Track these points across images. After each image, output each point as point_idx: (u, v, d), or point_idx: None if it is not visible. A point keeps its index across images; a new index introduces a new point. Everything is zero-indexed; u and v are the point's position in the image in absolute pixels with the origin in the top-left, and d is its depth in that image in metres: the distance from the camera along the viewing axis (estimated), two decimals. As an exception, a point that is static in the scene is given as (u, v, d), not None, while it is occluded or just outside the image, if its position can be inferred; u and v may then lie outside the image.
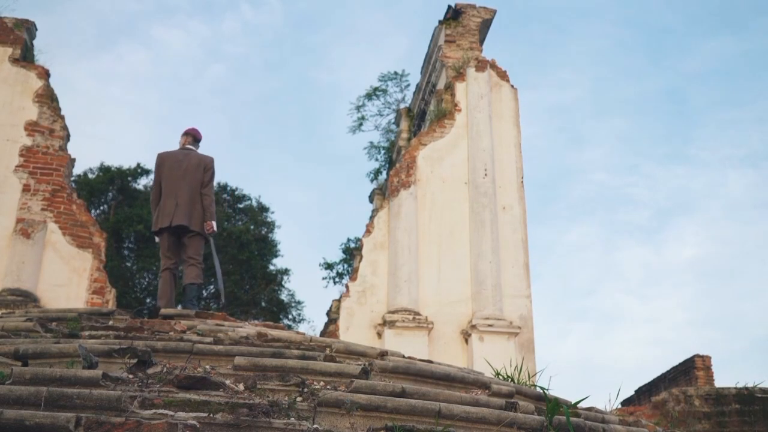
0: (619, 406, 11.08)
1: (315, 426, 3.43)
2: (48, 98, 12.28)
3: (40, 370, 3.68)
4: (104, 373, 3.66)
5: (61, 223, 11.57)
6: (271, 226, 23.18)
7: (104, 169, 22.22)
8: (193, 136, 7.83)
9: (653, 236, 47.82)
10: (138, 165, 22.40)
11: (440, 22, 14.43)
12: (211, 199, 7.53)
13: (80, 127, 42.20)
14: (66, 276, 11.34)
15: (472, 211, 12.52)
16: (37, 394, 3.21)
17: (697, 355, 14.39)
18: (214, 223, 7.48)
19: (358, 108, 19.50)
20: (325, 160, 47.78)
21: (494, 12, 14.34)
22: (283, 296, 22.44)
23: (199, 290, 7.59)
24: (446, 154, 13.02)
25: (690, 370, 14.36)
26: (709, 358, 14.36)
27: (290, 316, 22.45)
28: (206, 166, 7.57)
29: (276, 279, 22.20)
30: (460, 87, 13.44)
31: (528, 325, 12.05)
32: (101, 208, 22.19)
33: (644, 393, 15.88)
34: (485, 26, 14.37)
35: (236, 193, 23.59)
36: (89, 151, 43.58)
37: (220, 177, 23.80)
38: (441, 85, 14.27)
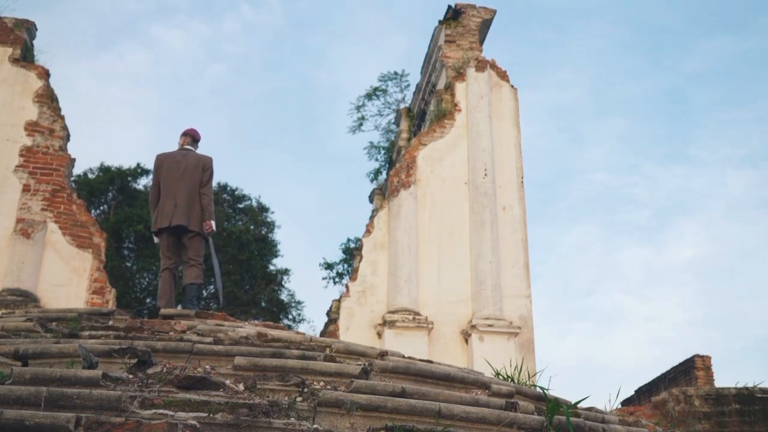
0: (619, 406, 11.08)
1: (315, 426, 3.43)
2: (48, 98, 12.28)
3: (40, 370, 3.68)
4: (104, 373, 3.66)
5: (61, 223, 11.57)
6: (271, 226, 23.19)
7: (104, 169, 22.22)
8: (191, 137, 7.84)
9: (653, 236, 47.85)
10: (138, 165, 22.43)
11: (440, 22, 14.43)
12: (209, 198, 7.53)
13: (80, 127, 42.19)
14: (66, 276, 11.34)
15: (472, 211, 12.52)
16: (37, 394, 3.21)
17: (697, 355, 14.39)
18: (213, 223, 7.48)
19: (358, 108, 19.52)
20: (325, 160, 47.81)
21: (494, 12, 14.34)
22: (283, 296, 22.46)
23: (199, 290, 7.59)
24: (446, 154, 13.02)
25: (690, 370, 14.36)
26: (709, 358, 14.36)
27: (290, 316, 22.47)
28: (205, 165, 7.58)
29: (276, 279, 22.20)
30: (460, 87, 13.44)
31: (528, 325, 12.05)
32: (101, 208, 22.20)
33: (644, 393, 15.88)
34: (485, 26, 14.38)
35: (236, 193, 23.60)
36: (89, 151, 43.62)
37: (220, 177, 23.83)
38: (441, 85, 14.27)
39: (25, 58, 12.82)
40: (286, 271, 22.50)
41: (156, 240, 7.66)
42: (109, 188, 22.12)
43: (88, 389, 3.39)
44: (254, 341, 5.28)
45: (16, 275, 11.00)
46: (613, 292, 47.37)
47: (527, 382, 6.37)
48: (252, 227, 22.55)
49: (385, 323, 11.56)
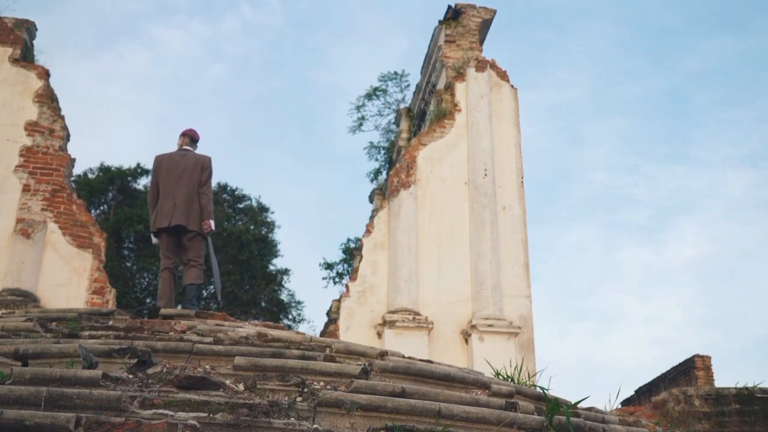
0: (619, 406, 11.08)
1: (315, 426, 3.43)
2: (48, 98, 12.28)
3: (40, 370, 3.68)
4: (104, 373, 3.66)
5: (61, 223, 11.57)
6: (271, 226, 23.19)
7: (104, 169, 22.23)
8: (190, 137, 7.84)
9: (653, 236, 47.85)
10: (138, 165, 22.43)
11: (440, 22, 14.43)
12: (208, 198, 7.53)
13: (80, 127, 42.19)
14: (66, 276, 11.34)
15: (472, 211, 12.52)
16: (37, 394, 3.21)
17: (697, 355, 14.39)
18: (212, 222, 7.49)
19: (358, 108, 19.52)
20: (325, 160, 47.82)
21: (494, 12, 14.34)
22: (283, 296, 22.46)
23: (198, 290, 7.60)
24: (446, 154, 13.02)
25: (690, 370, 14.36)
26: (709, 358, 14.36)
27: (290, 316, 22.47)
28: (203, 165, 7.58)
29: (276, 279, 22.20)
30: (460, 87, 13.45)
31: (528, 325, 12.05)
32: (101, 208, 22.20)
33: (644, 393, 15.88)
34: (485, 26, 14.38)
35: (236, 193, 23.61)
36: (89, 151, 43.63)
37: (220, 177, 23.85)
38: (441, 85, 14.27)
39: (25, 58, 12.82)
40: (286, 271, 22.52)
41: (154, 240, 7.68)
42: (109, 188, 22.13)
43: (88, 389, 3.39)
44: (254, 341, 5.28)
45: (16, 275, 11.00)
46: (613, 292, 47.40)
47: (527, 382, 6.37)
48: (252, 227, 22.55)
49: (385, 323, 11.56)
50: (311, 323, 23.30)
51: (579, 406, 4.97)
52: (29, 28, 13.10)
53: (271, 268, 22.40)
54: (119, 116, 47.48)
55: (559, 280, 44.87)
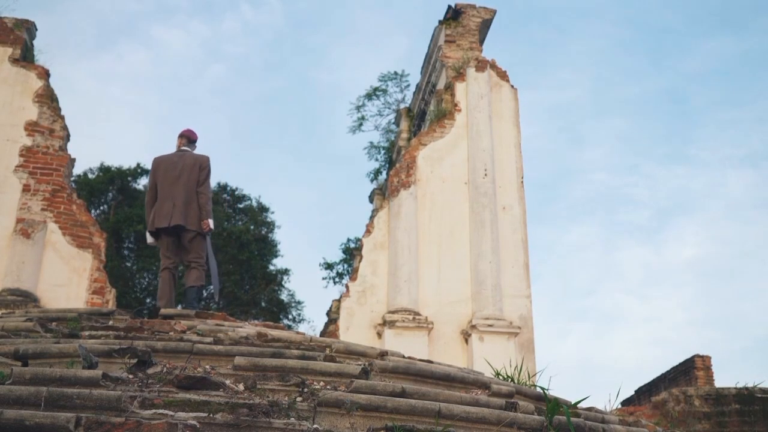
0: (619, 406, 11.08)
1: (315, 426, 3.43)
2: (48, 98, 12.28)
3: (40, 370, 3.68)
4: (104, 373, 3.66)
5: (61, 223, 11.57)
6: (271, 226, 23.19)
7: (104, 169, 22.23)
8: (187, 138, 7.84)
9: (653, 236, 47.85)
10: (138, 165, 22.44)
11: (440, 22, 14.43)
12: (207, 197, 7.53)
13: (80, 127, 42.21)
14: (66, 276, 11.34)
15: (472, 211, 12.52)
16: (37, 394, 3.21)
17: (697, 355, 14.39)
18: (210, 221, 7.48)
19: (358, 108, 19.53)
20: (325, 160, 47.81)
21: (494, 12, 14.34)
22: (283, 296, 22.46)
23: (199, 292, 7.60)
24: (446, 154, 13.02)
25: (690, 370, 14.36)
26: (709, 358, 14.36)
27: (290, 316, 22.47)
28: (201, 165, 7.58)
29: (276, 279, 22.20)
30: (460, 87, 13.45)
31: (528, 325, 12.05)
32: (101, 208, 22.21)
33: (644, 393, 15.88)
34: (485, 26, 14.38)
35: (236, 193, 23.61)
36: (89, 151, 43.63)
37: (220, 177, 23.87)
38: (441, 85, 14.27)
39: (25, 58, 12.82)
40: (286, 271, 22.53)
41: (149, 239, 7.66)
42: (109, 188, 22.13)
43: (88, 389, 3.39)
44: (254, 341, 5.28)
45: (16, 275, 11.00)
46: (613, 292, 47.40)
47: (527, 382, 6.37)
48: (252, 227, 22.55)
49: (385, 323, 11.56)
50: (311, 323, 23.33)
51: (579, 406, 4.97)
52: (29, 28, 13.10)
53: (271, 268, 22.41)
54: (119, 116, 47.52)
55: (559, 280, 44.90)
